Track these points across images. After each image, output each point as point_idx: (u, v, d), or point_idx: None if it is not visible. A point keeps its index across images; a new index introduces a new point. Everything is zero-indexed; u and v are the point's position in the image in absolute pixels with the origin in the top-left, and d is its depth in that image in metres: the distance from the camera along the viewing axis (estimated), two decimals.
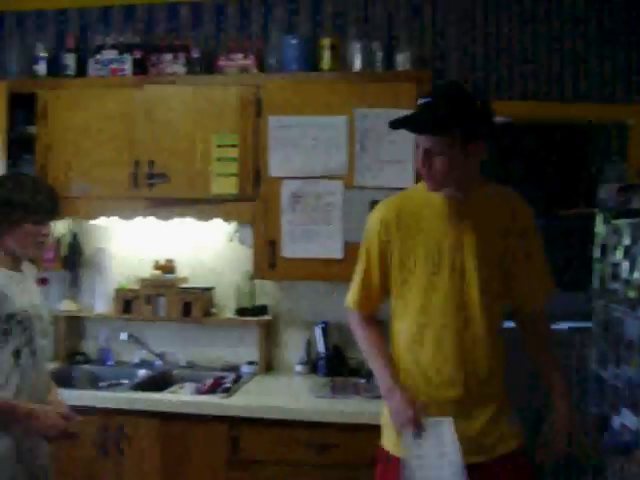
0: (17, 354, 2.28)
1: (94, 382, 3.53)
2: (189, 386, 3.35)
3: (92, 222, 3.66)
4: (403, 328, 2.19)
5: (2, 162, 3.38)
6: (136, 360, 3.66)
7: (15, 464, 2.25)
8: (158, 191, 3.34)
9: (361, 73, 3.34)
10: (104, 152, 3.40)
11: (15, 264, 2.38)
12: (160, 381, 3.45)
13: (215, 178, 3.29)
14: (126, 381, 3.41)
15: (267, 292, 3.62)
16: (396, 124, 2.09)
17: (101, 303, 3.68)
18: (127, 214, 3.47)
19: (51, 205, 2.39)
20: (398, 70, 3.35)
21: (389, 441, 2.21)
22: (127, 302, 3.58)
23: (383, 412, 2.25)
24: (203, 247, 3.69)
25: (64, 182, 3.40)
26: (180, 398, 3.17)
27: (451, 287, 2.13)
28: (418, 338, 2.16)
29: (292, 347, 3.61)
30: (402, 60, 3.38)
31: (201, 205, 3.34)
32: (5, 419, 2.23)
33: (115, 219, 3.51)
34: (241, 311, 3.54)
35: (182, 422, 3.03)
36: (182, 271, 3.68)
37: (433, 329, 2.14)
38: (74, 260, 3.71)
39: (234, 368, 3.54)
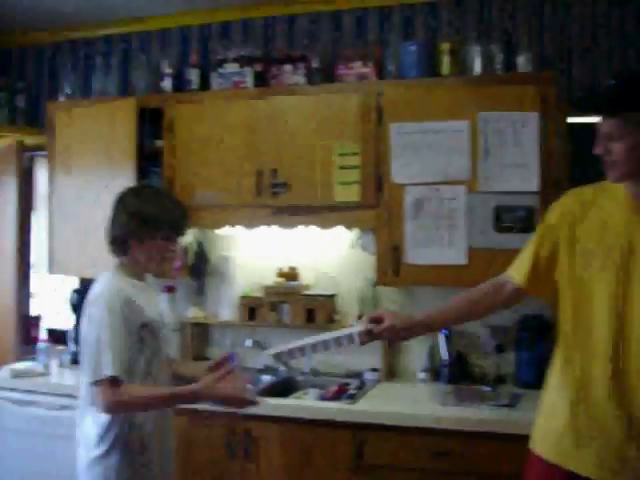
0: (149, 363, 2.36)
1: None
2: (313, 392, 3.39)
3: (217, 231, 3.77)
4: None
5: (133, 175, 3.52)
6: (260, 366, 3.72)
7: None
8: (281, 200, 3.40)
9: (482, 76, 3.29)
10: (228, 162, 3.49)
11: (139, 274, 2.46)
12: (284, 387, 3.51)
13: (337, 186, 3.32)
14: (250, 387, 3.46)
15: (389, 298, 3.61)
16: (578, 106, 1.96)
17: (226, 310, 3.77)
18: (251, 223, 3.55)
19: (182, 222, 2.46)
20: (519, 72, 3.28)
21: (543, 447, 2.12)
22: (251, 309, 3.66)
23: (542, 411, 2.17)
24: (326, 254, 3.73)
25: (190, 192, 3.52)
26: (307, 403, 3.21)
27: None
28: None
29: (414, 354, 3.59)
30: (523, 61, 3.31)
31: (323, 213, 3.37)
32: (171, 405, 2.44)
33: (239, 228, 3.58)
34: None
35: (307, 427, 3.06)
36: (305, 278, 3.73)
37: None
38: (200, 268, 3.82)
39: (357, 375, 3.55)
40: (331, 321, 3.60)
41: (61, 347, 3.89)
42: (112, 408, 2.22)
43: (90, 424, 2.32)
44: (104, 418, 2.27)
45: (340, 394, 3.27)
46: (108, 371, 2.18)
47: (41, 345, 3.74)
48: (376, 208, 3.30)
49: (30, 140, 4.19)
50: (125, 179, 3.51)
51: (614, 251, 1.98)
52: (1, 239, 4.14)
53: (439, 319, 2.41)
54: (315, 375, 3.64)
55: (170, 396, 2.31)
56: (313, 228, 3.48)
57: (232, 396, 2.32)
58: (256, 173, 3.42)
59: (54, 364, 3.76)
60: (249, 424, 3.10)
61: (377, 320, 2.33)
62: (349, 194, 3.31)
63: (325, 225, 3.44)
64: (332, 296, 3.65)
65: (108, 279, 2.37)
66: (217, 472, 3.16)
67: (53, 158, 3.89)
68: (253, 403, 2.37)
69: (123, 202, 2.43)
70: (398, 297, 3.62)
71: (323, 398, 3.28)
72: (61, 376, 3.68)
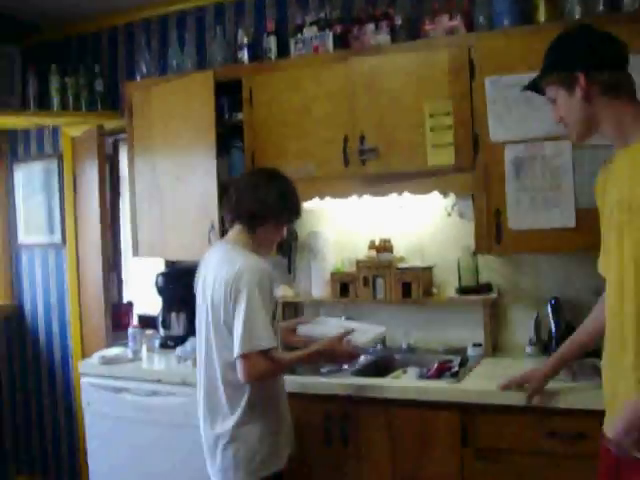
0: (277, 335, 2.51)
1: (315, 369, 3.45)
2: (412, 370, 3.17)
3: (305, 205, 3.58)
4: None
5: (213, 151, 3.38)
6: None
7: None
8: (370, 167, 3.18)
9: (582, 21, 2.98)
10: (312, 131, 3.31)
11: (258, 252, 2.58)
12: (381, 366, 3.32)
13: (430, 149, 3.08)
14: (346, 367, 3.30)
15: (491, 268, 3.37)
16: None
17: (317, 287, 3.61)
18: (340, 193, 3.34)
19: (300, 209, 2.69)
20: (624, 13, 2.95)
21: None
22: (344, 285, 3.48)
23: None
24: (420, 224, 3.51)
25: (274, 166, 3.34)
26: (408, 383, 3.00)
27: None
28: None
29: (520, 327, 3.33)
30: (628, 1, 2.98)
31: (416, 179, 3.14)
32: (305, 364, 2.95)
33: (328, 200, 3.39)
34: (464, 290, 3.32)
35: (408, 408, 2.85)
36: (399, 250, 3.52)
37: None
38: (289, 245, 3.66)
39: (459, 351, 3.32)
40: (429, 294, 3.38)
41: (150, 332, 3.81)
42: (263, 376, 2.43)
43: (230, 397, 2.48)
44: (245, 389, 2.45)
45: (442, 372, 3.05)
46: (264, 342, 2.36)
47: (131, 330, 3.67)
48: (473, 171, 3.04)
49: (111, 124, 4.12)
50: (206, 156, 3.38)
51: (612, 211, 1.93)
52: (89, 227, 4.08)
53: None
54: (412, 352, 3.44)
55: (304, 356, 2.59)
56: (406, 196, 3.24)
57: (345, 352, 2.66)
58: (343, 140, 3.21)
59: (144, 349, 3.70)
60: (346, 407, 2.93)
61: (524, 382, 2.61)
62: (443, 157, 3.06)
63: (418, 192, 3.20)
64: (429, 268, 3.42)
65: (245, 254, 2.48)
66: (315, 457, 3.00)
67: (133, 139, 3.80)
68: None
69: (268, 180, 2.58)
70: (500, 266, 3.36)
71: (424, 376, 3.07)
72: (150, 362, 3.61)
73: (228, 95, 3.51)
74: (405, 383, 3.01)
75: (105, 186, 4.03)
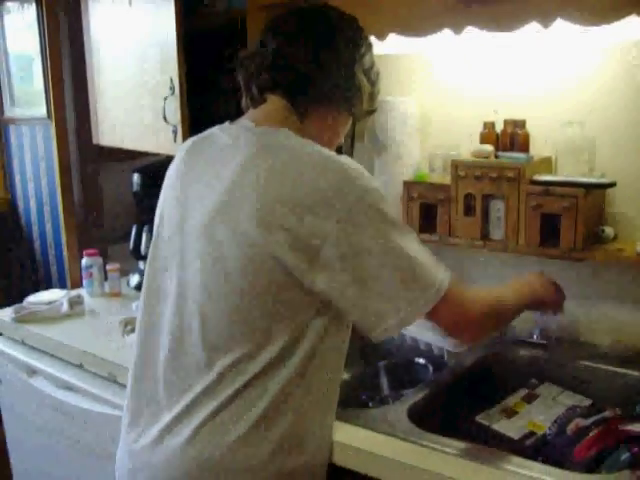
0: None
1: None
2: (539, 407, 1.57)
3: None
4: None
5: None
6: None
7: None
8: None
9: None
10: None
11: None
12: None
13: None
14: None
15: None
16: None
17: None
18: (419, 25, 1.60)
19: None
20: None
21: None
22: (427, 208, 1.81)
23: None
24: (588, 92, 1.70)
25: None
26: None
27: None
28: None
29: None
30: None
31: None
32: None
33: (397, 40, 1.67)
34: None
35: None
36: (540, 145, 1.77)
37: None
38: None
39: None
40: (598, 241, 1.65)
41: (115, 265, 2.34)
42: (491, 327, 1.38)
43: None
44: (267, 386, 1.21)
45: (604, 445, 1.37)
46: (444, 277, 1.22)
47: (85, 260, 2.33)
48: None
49: None
50: None
51: None
52: None
53: None
54: (548, 349, 1.74)
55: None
56: (556, 31, 1.46)
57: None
58: None
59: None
60: None
61: None
62: None
63: (586, 18, 1.41)
64: (602, 185, 1.64)
65: (327, 153, 1.22)
66: None
67: None
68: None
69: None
70: None
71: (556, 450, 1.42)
72: (92, 326, 2.10)
73: None
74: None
75: None
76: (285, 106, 1.29)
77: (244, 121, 1.30)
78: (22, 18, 3.01)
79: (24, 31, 3.00)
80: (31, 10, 2.90)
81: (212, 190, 1.23)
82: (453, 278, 1.22)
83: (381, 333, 1.19)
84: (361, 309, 1.18)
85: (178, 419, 1.21)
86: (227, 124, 1.33)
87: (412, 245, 1.19)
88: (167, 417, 1.23)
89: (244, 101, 1.34)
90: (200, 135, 1.38)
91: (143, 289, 1.34)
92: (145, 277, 1.34)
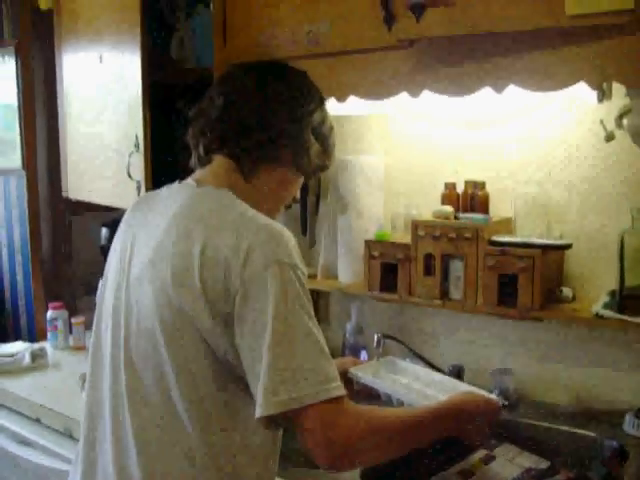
0: None
1: None
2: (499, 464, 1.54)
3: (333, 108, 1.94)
4: None
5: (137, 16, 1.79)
6: None
7: None
8: (435, 27, 1.45)
9: None
10: None
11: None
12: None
13: None
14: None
15: None
16: None
17: (345, 266, 1.96)
18: (378, 88, 1.64)
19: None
20: None
21: None
22: (388, 268, 1.82)
23: None
24: (543, 154, 1.74)
25: (256, 37, 1.70)
26: None
27: None
28: None
29: None
30: None
31: (535, 53, 1.40)
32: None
33: (357, 102, 1.71)
34: (627, 297, 1.54)
35: None
36: (499, 207, 1.80)
37: None
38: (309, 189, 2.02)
39: (610, 418, 1.63)
40: (556, 301, 1.67)
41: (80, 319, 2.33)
42: (362, 445, 1.12)
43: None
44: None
45: None
46: (334, 384, 1.09)
47: (50, 313, 2.26)
48: None
49: None
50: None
51: None
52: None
53: None
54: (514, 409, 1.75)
55: (428, 415, 1.28)
56: (511, 94, 1.50)
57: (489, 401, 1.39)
58: None
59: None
60: None
61: None
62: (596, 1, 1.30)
63: (540, 84, 1.44)
64: (559, 247, 1.67)
65: (254, 215, 1.18)
66: None
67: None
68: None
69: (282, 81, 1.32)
70: None
71: None
72: (53, 379, 2.12)
73: None
74: None
75: None
76: (230, 166, 1.28)
77: (188, 180, 1.30)
78: (7, 69, 3.06)
79: (10, 80, 3.04)
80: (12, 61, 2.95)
81: (153, 250, 1.22)
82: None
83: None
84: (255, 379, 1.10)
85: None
86: (176, 184, 1.33)
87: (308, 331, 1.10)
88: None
89: (192, 160, 1.34)
90: (149, 193, 1.39)
91: (90, 349, 1.34)
92: (92, 334, 1.34)
